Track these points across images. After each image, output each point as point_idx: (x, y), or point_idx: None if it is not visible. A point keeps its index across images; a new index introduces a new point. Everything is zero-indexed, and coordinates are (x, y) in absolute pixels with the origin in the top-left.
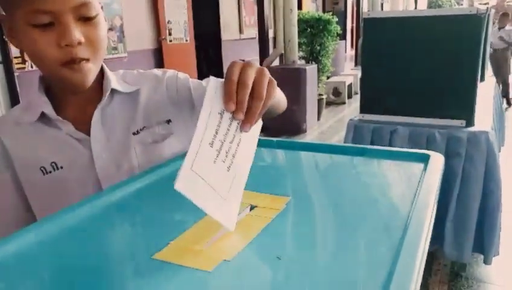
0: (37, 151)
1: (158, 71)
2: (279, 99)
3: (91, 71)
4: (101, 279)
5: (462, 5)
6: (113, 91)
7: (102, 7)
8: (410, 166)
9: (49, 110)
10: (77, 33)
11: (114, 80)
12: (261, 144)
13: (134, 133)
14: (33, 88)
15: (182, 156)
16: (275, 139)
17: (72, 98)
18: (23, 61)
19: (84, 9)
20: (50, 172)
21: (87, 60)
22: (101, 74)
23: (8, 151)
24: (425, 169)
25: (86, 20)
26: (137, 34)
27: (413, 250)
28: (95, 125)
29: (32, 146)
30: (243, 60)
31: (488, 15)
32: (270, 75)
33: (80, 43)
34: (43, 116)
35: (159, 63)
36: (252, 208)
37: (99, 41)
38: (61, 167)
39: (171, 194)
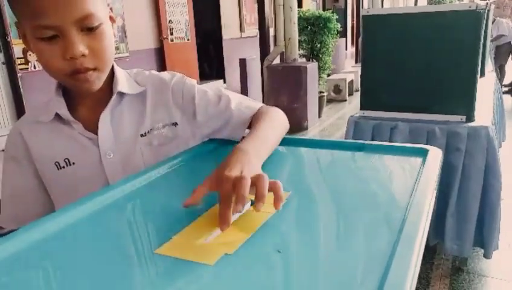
0: (53, 147)
1: (167, 75)
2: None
3: (98, 78)
4: (104, 274)
5: (462, 0)
6: (121, 93)
7: (111, 8)
8: (408, 160)
9: (63, 111)
10: (81, 46)
11: (123, 81)
12: None
13: (142, 135)
14: (38, 88)
15: (185, 152)
16: None
17: (84, 99)
18: (26, 62)
19: (87, 21)
20: (63, 167)
21: (94, 69)
22: (112, 75)
23: (28, 147)
24: (423, 163)
25: (89, 30)
26: (139, 34)
27: (411, 243)
28: (103, 125)
29: (49, 143)
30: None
31: (488, 10)
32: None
33: (84, 55)
34: (58, 116)
35: (161, 62)
36: (252, 202)
37: (104, 50)
38: (73, 163)
39: (173, 190)
